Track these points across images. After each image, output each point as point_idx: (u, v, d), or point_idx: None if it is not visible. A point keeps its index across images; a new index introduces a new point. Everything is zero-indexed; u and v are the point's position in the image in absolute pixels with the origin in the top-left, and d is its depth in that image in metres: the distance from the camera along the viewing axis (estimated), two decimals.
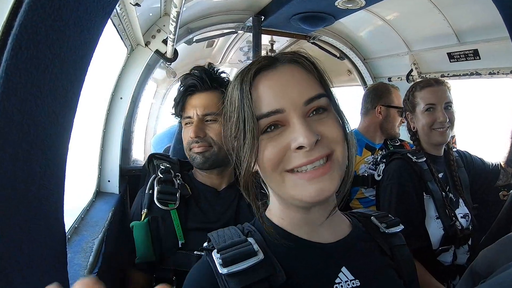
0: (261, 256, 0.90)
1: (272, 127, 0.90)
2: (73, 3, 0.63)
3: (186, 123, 1.87)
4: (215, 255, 0.91)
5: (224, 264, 0.87)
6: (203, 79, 1.83)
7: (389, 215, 1.21)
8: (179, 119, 1.96)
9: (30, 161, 0.65)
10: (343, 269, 0.96)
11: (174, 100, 1.92)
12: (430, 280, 1.87)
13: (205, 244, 1.02)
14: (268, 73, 0.95)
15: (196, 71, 1.86)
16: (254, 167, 0.94)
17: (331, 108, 0.94)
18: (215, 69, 1.93)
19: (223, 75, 1.93)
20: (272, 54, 1.00)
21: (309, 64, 0.96)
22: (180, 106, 1.86)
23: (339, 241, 1.01)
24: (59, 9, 0.59)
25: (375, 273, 1.00)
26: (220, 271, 0.87)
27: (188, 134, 1.84)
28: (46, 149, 0.70)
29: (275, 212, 1.04)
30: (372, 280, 0.98)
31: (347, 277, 0.95)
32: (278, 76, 0.93)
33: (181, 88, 1.87)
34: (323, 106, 0.91)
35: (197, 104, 1.82)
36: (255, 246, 0.93)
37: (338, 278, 0.94)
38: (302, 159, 0.86)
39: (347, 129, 0.95)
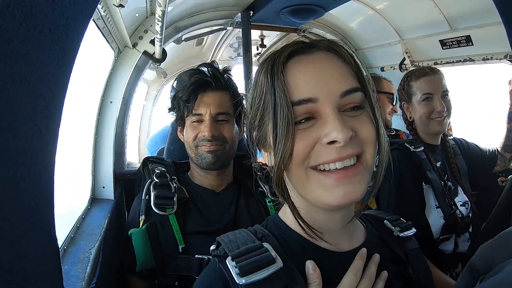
0: (280, 263, 0.84)
1: (304, 119, 0.84)
2: (46, 8, 0.59)
3: (194, 121, 1.82)
4: (230, 263, 0.85)
5: (242, 274, 0.81)
6: (217, 77, 1.81)
7: (401, 219, 1.18)
8: (175, 117, 1.94)
9: (12, 178, 0.62)
10: None
11: (178, 97, 1.86)
12: (432, 269, 1.86)
13: (212, 247, 0.95)
14: (302, 58, 0.88)
15: (208, 69, 1.84)
16: (289, 159, 0.84)
17: (367, 106, 0.87)
18: (226, 68, 1.92)
19: (230, 74, 1.92)
20: (307, 39, 0.93)
21: (348, 55, 0.89)
22: (191, 102, 1.81)
23: (355, 249, 0.96)
24: (31, 16, 0.55)
25: (389, 283, 0.96)
26: (238, 281, 0.81)
27: (194, 131, 1.81)
28: (29, 163, 0.67)
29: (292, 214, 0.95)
30: None
31: None
32: (314, 63, 0.86)
33: (191, 86, 1.81)
34: (359, 104, 0.85)
35: (211, 102, 1.79)
36: (273, 253, 0.86)
37: None
38: (333, 155, 0.80)
39: (381, 131, 0.87)
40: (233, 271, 0.83)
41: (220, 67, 1.91)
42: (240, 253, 0.86)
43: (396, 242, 1.09)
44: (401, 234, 1.11)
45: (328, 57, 0.88)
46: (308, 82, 0.84)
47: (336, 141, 0.79)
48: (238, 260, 0.84)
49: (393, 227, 1.12)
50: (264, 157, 0.98)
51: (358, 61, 0.90)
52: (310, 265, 0.88)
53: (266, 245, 0.89)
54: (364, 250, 0.94)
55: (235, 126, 1.86)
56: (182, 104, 1.84)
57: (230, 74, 1.91)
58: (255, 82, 0.94)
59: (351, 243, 0.98)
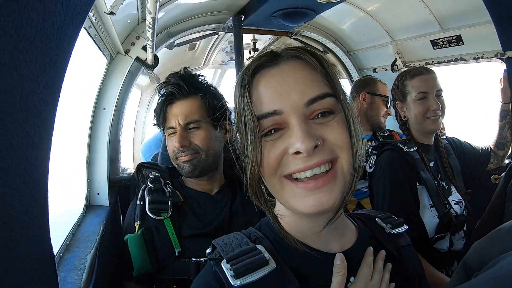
0: (273, 265, 0.87)
1: (273, 130, 0.86)
2: (37, 20, 0.59)
3: (170, 134, 1.85)
4: (225, 266, 0.87)
5: (236, 276, 0.84)
6: (180, 86, 1.81)
7: (393, 216, 1.20)
8: (161, 129, 1.95)
9: (6, 188, 0.62)
10: (352, 279, 0.95)
11: (154, 111, 1.90)
12: (427, 268, 1.86)
13: (208, 250, 0.98)
14: (268, 71, 0.90)
15: (172, 78, 1.84)
16: (260, 169, 0.88)
17: (340, 110, 0.89)
18: (192, 73, 1.91)
19: (200, 78, 1.91)
20: (277, 49, 0.96)
21: (314, 60, 0.89)
22: (161, 116, 1.84)
23: (347, 250, 0.99)
24: (21, 28, 0.56)
25: (382, 282, 0.98)
26: (233, 283, 0.84)
27: (172, 144, 1.82)
28: (23, 173, 0.67)
29: (281, 217, 0.98)
30: None
31: None
32: (278, 74, 0.88)
33: (160, 98, 1.84)
34: (329, 109, 0.86)
35: (178, 112, 1.80)
36: (266, 255, 0.89)
37: None
38: (299, 164, 0.83)
39: (353, 135, 0.88)
40: (228, 273, 0.85)
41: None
42: (235, 256, 0.89)
43: (388, 239, 1.11)
44: (393, 231, 1.13)
45: (293, 66, 0.89)
46: (272, 95, 0.86)
47: (300, 152, 0.81)
48: (233, 263, 0.87)
49: (385, 225, 1.15)
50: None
51: (326, 65, 0.91)
52: (338, 257, 0.92)
53: (259, 247, 0.92)
54: (371, 249, 0.98)
55: (214, 129, 1.86)
56: (157, 118, 1.88)
57: (198, 77, 1.91)
58: (234, 95, 0.97)
59: (341, 244, 1.00)
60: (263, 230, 1.04)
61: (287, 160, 0.84)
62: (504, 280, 0.68)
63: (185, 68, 1.93)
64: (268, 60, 0.91)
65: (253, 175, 0.89)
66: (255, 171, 0.88)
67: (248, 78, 0.90)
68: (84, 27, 1.95)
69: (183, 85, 1.81)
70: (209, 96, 1.85)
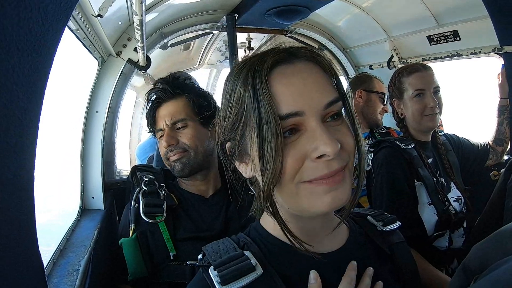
0: (259, 270, 0.86)
1: (288, 132, 0.81)
2: (12, 28, 0.57)
3: (160, 136, 1.88)
4: (212, 272, 0.87)
5: (223, 282, 0.83)
6: (165, 89, 1.86)
7: (385, 213, 1.19)
8: (153, 134, 1.99)
9: None
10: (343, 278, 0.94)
11: (145, 117, 1.95)
12: (426, 266, 1.85)
13: (200, 256, 0.97)
14: (285, 68, 0.84)
15: (158, 84, 1.90)
16: (280, 176, 0.81)
17: (344, 114, 0.89)
18: (176, 76, 1.96)
19: (185, 79, 1.96)
20: (287, 47, 0.90)
21: (328, 64, 0.89)
22: (151, 121, 1.90)
23: (337, 250, 0.98)
24: None
25: (374, 281, 0.97)
26: None
27: (162, 146, 1.86)
28: (5, 182, 0.66)
29: (272, 221, 0.93)
30: None
31: None
32: (297, 73, 0.83)
33: (148, 104, 1.90)
34: (339, 112, 0.85)
35: (165, 114, 1.84)
36: (253, 260, 0.88)
37: None
38: (323, 170, 0.79)
39: (360, 139, 0.89)
40: (215, 280, 0.85)
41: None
42: (222, 262, 0.89)
43: (380, 236, 1.10)
44: (385, 229, 1.12)
45: (309, 67, 0.86)
46: (292, 95, 0.81)
47: (325, 154, 0.78)
48: (220, 269, 0.86)
49: (376, 222, 1.14)
50: (240, 169, 0.95)
51: (335, 70, 0.91)
52: (312, 275, 0.90)
53: (247, 253, 0.91)
54: (354, 263, 0.95)
55: (202, 127, 1.88)
56: (148, 123, 1.94)
57: (184, 78, 1.96)
58: (229, 92, 0.91)
59: (333, 244, 0.99)
60: (252, 235, 1.03)
61: (308, 166, 0.80)
62: (508, 284, 0.67)
63: (171, 73, 1.98)
64: (285, 56, 0.86)
65: (272, 182, 0.82)
66: (275, 177, 0.81)
67: (265, 73, 0.82)
68: (72, 31, 1.97)
69: (168, 88, 1.85)
70: (194, 95, 1.88)
